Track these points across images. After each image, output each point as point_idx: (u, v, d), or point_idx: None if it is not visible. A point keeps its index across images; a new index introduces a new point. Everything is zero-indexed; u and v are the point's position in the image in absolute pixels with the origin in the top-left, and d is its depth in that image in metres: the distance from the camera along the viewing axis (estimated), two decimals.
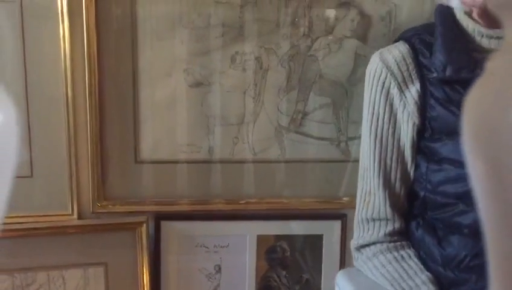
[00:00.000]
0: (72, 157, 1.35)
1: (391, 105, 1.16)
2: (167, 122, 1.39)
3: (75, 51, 1.32)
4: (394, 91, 1.15)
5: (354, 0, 1.38)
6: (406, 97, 1.14)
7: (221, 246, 1.45)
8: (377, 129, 1.17)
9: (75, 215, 1.38)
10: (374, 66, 1.18)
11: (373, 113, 1.18)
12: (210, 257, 1.45)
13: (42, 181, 1.36)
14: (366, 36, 1.41)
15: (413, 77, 1.13)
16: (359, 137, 1.45)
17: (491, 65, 0.44)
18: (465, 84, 1.06)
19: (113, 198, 1.39)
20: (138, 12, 1.34)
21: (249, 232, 1.45)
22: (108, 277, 1.40)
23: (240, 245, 1.45)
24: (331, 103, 1.43)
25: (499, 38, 1.08)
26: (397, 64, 1.14)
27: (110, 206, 1.39)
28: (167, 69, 1.37)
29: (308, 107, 1.42)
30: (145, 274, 1.40)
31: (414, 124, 1.15)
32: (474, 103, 0.43)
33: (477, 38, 1.11)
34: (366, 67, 1.41)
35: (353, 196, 1.42)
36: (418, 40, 1.16)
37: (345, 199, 1.46)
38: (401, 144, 1.17)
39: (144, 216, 1.40)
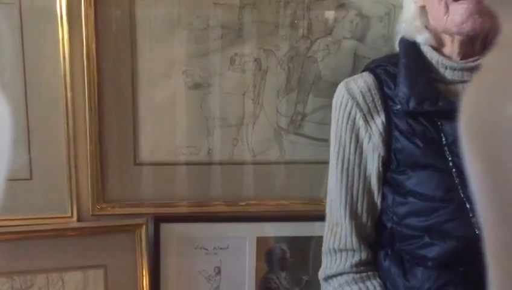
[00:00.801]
0: (71, 160, 1.35)
1: (357, 136, 1.15)
2: (166, 124, 1.39)
3: (74, 53, 1.32)
4: (360, 122, 1.14)
5: (353, 2, 1.38)
6: (371, 128, 1.14)
7: (221, 248, 1.45)
8: (343, 160, 1.17)
9: (75, 218, 1.37)
10: (340, 96, 1.17)
11: (339, 144, 1.17)
12: (210, 259, 1.45)
13: (41, 183, 1.36)
14: (365, 37, 1.41)
15: (378, 108, 1.13)
16: None
17: (487, 62, 0.44)
18: (429, 116, 1.07)
19: (113, 200, 1.39)
20: (137, 14, 1.34)
21: (248, 234, 1.45)
22: (107, 279, 1.40)
23: (239, 247, 1.45)
24: (330, 104, 1.43)
25: (462, 70, 1.09)
26: (362, 95, 1.14)
27: (109, 208, 1.39)
28: (166, 71, 1.37)
29: (308, 109, 1.42)
30: (144, 276, 1.40)
31: (379, 155, 1.14)
32: (471, 100, 0.43)
33: (441, 70, 1.12)
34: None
35: None
36: (383, 71, 1.16)
37: None
38: (368, 174, 1.16)
39: (143, 218, 1.40)
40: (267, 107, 1.41)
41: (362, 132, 1.14)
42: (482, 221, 0.43)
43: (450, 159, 1.06)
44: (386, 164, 1.14)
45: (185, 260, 1.44)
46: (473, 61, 1.09)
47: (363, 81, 1.16)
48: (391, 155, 1.13)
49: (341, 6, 1.38)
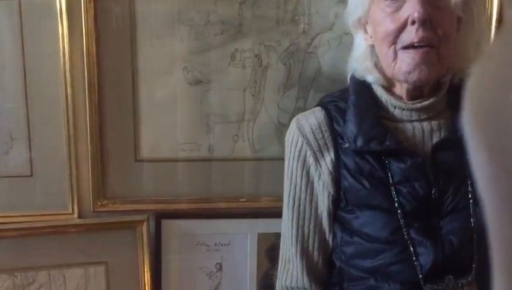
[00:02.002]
0: (72, 156, 1.35)
1: (308, 173, 1.14)
2: (167, 121, 1.39)
3: (74, 50, 1.32)
4: (310, 160, 1.13)
5: None
6: (321, 167, 1.13)
7: (222, 244, 1.45)
8: (294, 197, 1.16)
9: (76, 215, 1.37)
10: (291, 133, 1.16)
11: (291, 181, 1.16)
12: (211, 255, 1.45)
13: (42, 180, 1.36)
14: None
15: (328, 145, 1.12)
16: None
17: (491, 48, 0.43)
18: (376, 155, 1.06)
19: (113, 197, 1.39)
20: (137, 10, 1.34)
21: (249, 230, 1.45)
22: (109, 275, 1.40)
23: (240, 243, 1.45)
24: None
25: (410, 110, 1.08)
26: (313, 132, 1.13)
27: (110, 205, 1.39)
28: (166, 67, 1.37)
29: (309, 104, 1.41)
30: (146, 273, 1.40)
31: (329, 194, 1.13)
32: (474, 86, 0.42)
33: (391, 108, 1.10)
34: None
35: None
36: (334, 107, 1.15)
37: None
38: (319, 212, 1.15)
39: (144, 215, 1.40)
40: (268, 103, 1.41)
41: (313, 170, 1.13)
42: (486, 214, 0.43)
43: (396, 199, 1.05)
44: (336, 202, 1.13)
45: (186, 257, 1.44)
46: (421, 102, 1.08)
47: (314, 118, 1.14)
48: (340, 194, 1.12)
49: (341, 1, 1.37)
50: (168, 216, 1.42)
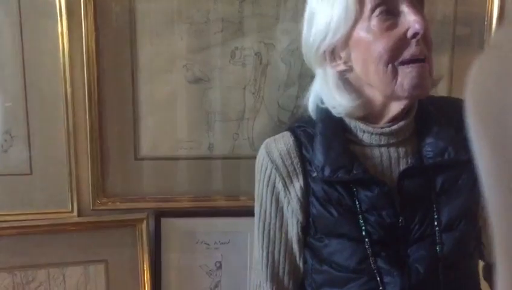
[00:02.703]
0: (71, 155, 1.35)
1: (277, 199, 1.13)
2: (167, 119, 1.39)
3: (73, 48, 1.32)
4: (279, 186, 1.12)
5: None
6: (289, 193, 1.11)
7: (222, 243, 1.45)
8: (264, 222, 1.15)
9: (75, 213, 1.37)
10: (261, 158, 1.15)
11: (261, 206, 1.15)
12: (211, 253, 1.45)
13: (42, 178, 1.36)
14: None
15: (297, 171, 1.10)
16: None
17: (495, 39, 0.43)
18: (344, 183, 1.04)
19: (113, 195, 1.39)
20: (137, 8, 1.34)
21: (249, 229, 1.44)
22: (108, 274, 1.40)
23: (240, 242, 1.45)
24: None
25: (379, 134, 1.07)
26: (282, 158, 1.11)
27: (110, 203, 1.39)
28: (166, 65, 1.36)
29: None
30: (145, 271, 1.40)
31: (298, 221, 1.12)
32: (478, 78, 0.42)
33: (359, 133, 1.09)
34: None
35: None
36: (302, 133, 1.13)
37: None
38: (289, 238, 1.14)
39: (144, 213, 1.40)
40: (268, 101, 1.40)
41: (282, 196, 1.12)
42: (489, 207, 0.42)
43: (363, 228, 1.04)
44: (306, 229, 1.12)
45: (186, 255, 1.44)
46: (390, 126, 1.07)
47: (283, 143, 1.12)
48: (309, 221, 1.11)
49: None
50: (168, 214, 1.41)
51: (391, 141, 1.07)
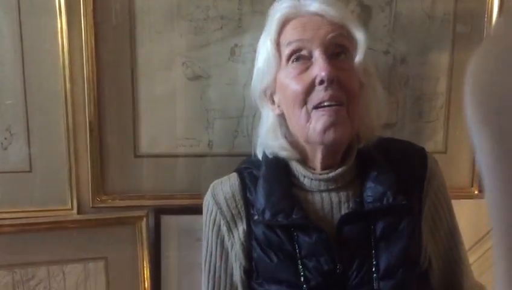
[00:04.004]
0: (71, 152, 1.35)
1: (222, 242, 1.13)
2: (166, 116, 1.38)
3: (73, 45, 1.31)
4: (224, 229, 1.13)
5: None
6: (233, 237, 1.12)
7: None
8: (210, 265, 1.15)
9: (75, 210, 1.37)
10: (207, 201, 1.16)
11: (207, 248, 1.16)
12: None
13: (41, 176, 1.36)
14: (366, 27, 1.39)
15: (241, 214, 1.11)
16: None
17: (495, 28, 0.42)
18: (284, 228, 1.05)
19: (113, 192, 1.39)
20: (136, 5, 1.33)
21: None
22: (108, 271, 1.40)
23: None
24: None
25: (319, 180, 1.08)
26: (226, 201, 1.13)
27: (109, 200, 1.39)
28: (166, 63, 1.36)
29: None
30: (145, 268, 1.40)
31: (241, 264, 1.12)
32: (478, 68, 0.41)
33: (301, 178, 1.10)
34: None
35: None
36: (248, 175, 1.14)
37: None
38: (234, 280, 1.14)
39: (143, 210, 1.40)
40: None
41: (226, 239, 1.13)
42: (488, 201, 0.42)
43: (302, 274, 1.04)
44: (249, 273, 1.12)
45: (185, 252, 1.44)
46: (329, 172, 1.08)
47: (228, 186, 1.14)
48: (252, 265, 1.11)
49: None
50: (168, 212, 1.41)
51: (331, 187, 1.08)
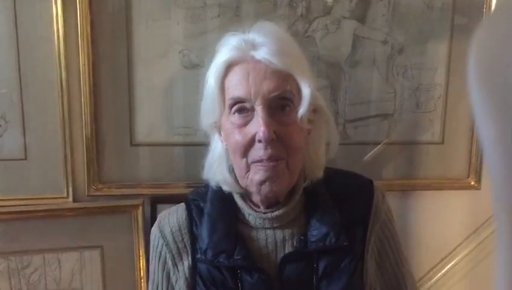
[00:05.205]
0: (66, 140, 1.34)
1: (168, 276, 1.12)
2: (163, 105, 1.38)
3: (68, 33, 1.30)
4: (169, 263, 1.11)
5: None
6: (178, 271, 1.11)
7: None
8: None
9: (71, 198, 1.37)
10: (153, 233, 1.15)
11: (153, 281, 1.14)
12: None
13: (37, 164, 1.35)
14: (364, 17, 1.39)
15: (187, 249, 1.10)
16: (357, 119, 1.44)
17: (499, 2, 0.42)
18: (227, 267, 1.03)
19: (109, 181, 1.39)
20: None
21: None
22: (104, 259, 1.40)
23: None
24: (329, 84, 1.41)
25: (263, 219, 1.07)
26: (173, 235, 1.11)
27: (105, 189, 1.38)
28: (162, 51, 1.35)
29: None
30: (141, 257, 1.40)
31: None
32: (482, 42, 0.40)
33: (246, 215, 1.09)
34: (364, 49, 1.40)
35: None
36: (195, 208, 1.13)
37: None
38: None
39: (139, 199, 1.40)
40: None
41: (171, 273, 1.12)
42: (491, 177, 0.41)
43: None
44: None
45: None
46: (273, 211, 1.07)
47: (175, 219, 1.12)
48: None
49: None
50: (164, 201, 1.41)
51: (275, 225, 1.07)
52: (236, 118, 1.01)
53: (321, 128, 1.09)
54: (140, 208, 1.39)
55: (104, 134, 1.37)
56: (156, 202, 1.41)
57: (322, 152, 1.10)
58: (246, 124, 1.00)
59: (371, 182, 1.15)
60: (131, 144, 1.39)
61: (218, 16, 1.35)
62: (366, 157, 1.47)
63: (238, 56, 1.01)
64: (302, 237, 1.05)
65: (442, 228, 1.57)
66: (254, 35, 1.02)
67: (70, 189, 1.37)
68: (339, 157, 1.44)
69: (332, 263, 1.04)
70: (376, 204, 1.12)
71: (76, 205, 1.37)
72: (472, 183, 1.50)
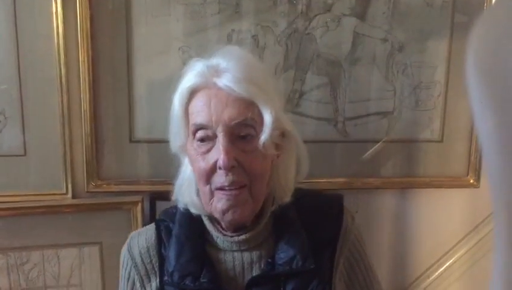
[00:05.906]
0: (66, 136, 1.34)
1: None
2: (162, 101, 1.37)
3: (68, 29, 1.30)
4: (137, 284, 1.11)
5: None
6: None
7: None
8: None
9: (70, 195, 1.37)
10: (123, 254, 1.14)
11: None
12: None
13: (36, 160, 1.35)
14: (365, 14, 1.39)
15: (155, 270, 1.10)
16: (357, 117, 1.44)
17: None
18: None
19: (108, 177, 1.39)
20: None
21: None
22: (103, 256, 1.40)
23: None
24: (329, 82, 1.41)
25: (231, 242, 1.06)
26: (141, 256, 1.11)
27: (104, 185, 1.38)
28: (162, 47, 1.35)
29: (305, 87, 1.41)
30: None
31: None
32: (481, 34, 0.40)
33: (214, 237, 1.08)
34: (364, 46, 1.40)
35: (349, 176, 1.42)
36: (164, 229, 1.12)
37: (341, 179, 1.46)
38: None
39: (138, 196, 1.40)
40: None
41: None
42: (488, 172, 0.41)
43: None
44: None
45: None
46: (240, 235, 1.06)
47: (144, 240, 1.12)
48: None
49: None
50: (163, 197, 1.40)
51: (243, 248, 1.07)
52: (198, 145, 1.01)
53: (290, 152, 1.08)
54: (140, 204, 1.39)
55: (103, 130, 1.37)
56: (155, 199, 1.41)
57: (291, 176, 1.09)
58: (208, 150, 1.00)
59: (340, 203, 1.16)
60: (131, 141, 1.39)
61: (218, 12, 1.35)
62: (365, 155, 1.47)
63: (201, 82, 1.01)
64: (269, 260, 1.05)
65: (441, 226, 1.58)
66: (219, 60, 1.01)
67: (70, 185, 1.37)
68: (338, 155, 1.45)
69: (300, 286, 1.03)
70: (345, 225, 1.12)
71: (75, 201, 1.37)
72: (471, 181, 1.51)
